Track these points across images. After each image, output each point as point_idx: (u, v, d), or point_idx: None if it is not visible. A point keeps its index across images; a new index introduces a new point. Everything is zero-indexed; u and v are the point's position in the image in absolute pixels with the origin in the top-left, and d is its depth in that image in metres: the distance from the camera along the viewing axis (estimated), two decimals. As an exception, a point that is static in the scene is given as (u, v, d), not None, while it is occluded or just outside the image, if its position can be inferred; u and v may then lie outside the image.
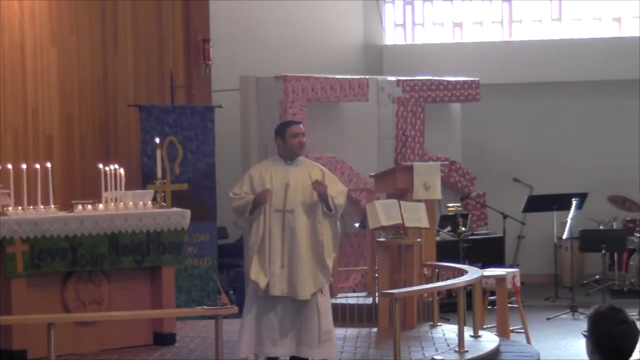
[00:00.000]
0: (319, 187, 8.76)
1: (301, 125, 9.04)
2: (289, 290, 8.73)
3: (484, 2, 16.83)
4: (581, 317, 12.99)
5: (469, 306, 10.56)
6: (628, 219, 15.55)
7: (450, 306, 12.53)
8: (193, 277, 12.36)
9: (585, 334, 4.78)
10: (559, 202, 14.24)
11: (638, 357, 4.78)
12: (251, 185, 8.79)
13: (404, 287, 10.27)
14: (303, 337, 8.78)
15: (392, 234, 10.77)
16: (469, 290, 11.18)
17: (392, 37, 16.92)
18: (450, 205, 12.93)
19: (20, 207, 9.29)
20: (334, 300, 11.43)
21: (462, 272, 10.17)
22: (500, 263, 13.77)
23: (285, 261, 8.72)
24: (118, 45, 12.68)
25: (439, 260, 11.57)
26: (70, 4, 12.26)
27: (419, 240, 10.81)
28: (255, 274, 8.68)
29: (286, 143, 8.88)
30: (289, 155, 8.92)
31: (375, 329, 10.70)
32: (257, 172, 8.90)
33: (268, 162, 9.05)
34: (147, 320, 9.85)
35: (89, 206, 9.71)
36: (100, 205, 9.74)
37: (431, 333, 10.39)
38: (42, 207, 9.34)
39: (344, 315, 11.09)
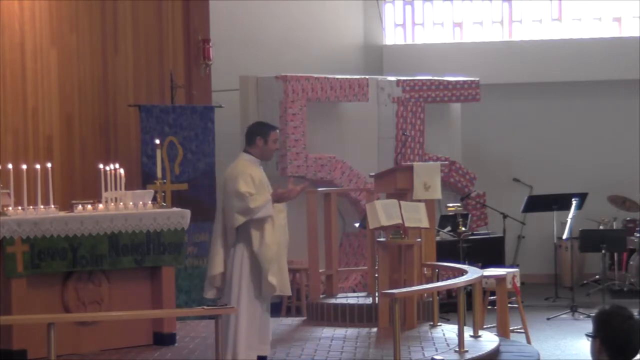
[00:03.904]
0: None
1: None
2: (288, 288, 8.80)
3: (484, 2, 16.83)
4: (581, 317, 13.00)
5: (469, 306, 10.56)
6: (628, 219, 15.55)
7: (450, 306, 12.53)
8: (193, 277, 12.37)
9: (591, 334, 4.79)
10: (559, 202, 14.23)
11: (637, 358, 4.79)
12: (253, 184, 8.70)
13: (404, 287, 10.27)
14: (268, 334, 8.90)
15: (392, 234, 10.77)
16: (469, 290, 11.18)
17: (392, 37, 16.92)
18: (450, 205, 12.92)
19: (20, 207, 9.30)
20: (334, 300, 11.46)
21: (462, 272, 10.17)
22: (500, 263, 13.77)
23: (283, 259, 8.77)
24: (118, 45, 12.68)
25: (439, 260, 11.56)
26: (70, 4, 12.26)
27: (419, 240, 10.81)
28: (271, 276, 8.60)
29: (267, 145, 8.83)
30: (264, 157, 8.92)
31: (375, 329, 10.70)
32: (253, 171, 8.74)
33: (248, 162, 8.83)
34: (147, 320, 9.85)
35: (89, 206, 9.72)
36: (100, 205, 9.75)
37: (431, 333, 10.39)
38: (42, 207, 9.35)
39: (344, 315, 11.08)
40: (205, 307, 8.40)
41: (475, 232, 14.48)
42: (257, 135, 8.85)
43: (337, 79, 14.20)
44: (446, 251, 12.85)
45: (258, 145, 8.82)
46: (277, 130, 9.03)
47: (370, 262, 11.41)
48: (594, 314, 4.83)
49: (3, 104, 11.58)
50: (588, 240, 13.83)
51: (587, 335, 4.85)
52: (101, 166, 9.95)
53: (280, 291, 8.66)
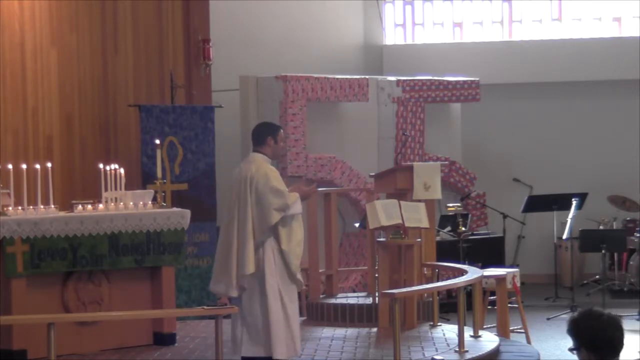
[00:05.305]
0: None
1: None
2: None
3: (484, 2, 16.83)
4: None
5: (469, 306, 10.56)
6: (628, 219, 15.55)
7: (450, 306, 12.53)
8: (193, 277, 12.37)
9: (573, 347, 4.79)
10: (559, 202, 14.24)
11: (637, 358, 4.80)
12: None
13: (404, 287, 10.27)
14: None
15: (392, 234, 10.77)
16: (469, 290, 11.18)
17: (392, 37, 16.92)
18: (450, 205, 12.91)
19: (20, 207, 9.30)
20: (334, 300, 11.45)
21: (462, 272, 10.17)
22: (500, 263, 13.77)
23: None
24: (118, 45, 12.68)
25: (439, 260, 11.56)
26: (70, 4, 12.26)
27: (419, 240, 10.81)
28: (299, 273, 8.75)
29: (277, 144, 8.88)
30: (275, 156, 9.06)
31: (375, 329, 10.70)
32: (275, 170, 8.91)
33: (265, 162, 8.84)
34: (147, 320, 9.85)
35: (89, 206, 9.72)
36: (100, 205, 9.74)
37: (431, 333, 10.39)
38: (42, 207, 9.34)
39: (344, 315, 11.08)
40: (205, 307, 8.41)
41: (475, 232, 14.48)
42: (267, 135, 8.86)
43: (337, 79, 14.20)
44: (446, 251, 12.85)
45: (269, 145, 8.84)
46: (282, 130, 9.12)
47: (370, 262, 11.41)
48: (567, 328, 4.83)
49: (3, 104, 11.58)
50: (588, 240, 13.84)
51: (570, 350, 4.83)
52: (101, 166, 9.95)
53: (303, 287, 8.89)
